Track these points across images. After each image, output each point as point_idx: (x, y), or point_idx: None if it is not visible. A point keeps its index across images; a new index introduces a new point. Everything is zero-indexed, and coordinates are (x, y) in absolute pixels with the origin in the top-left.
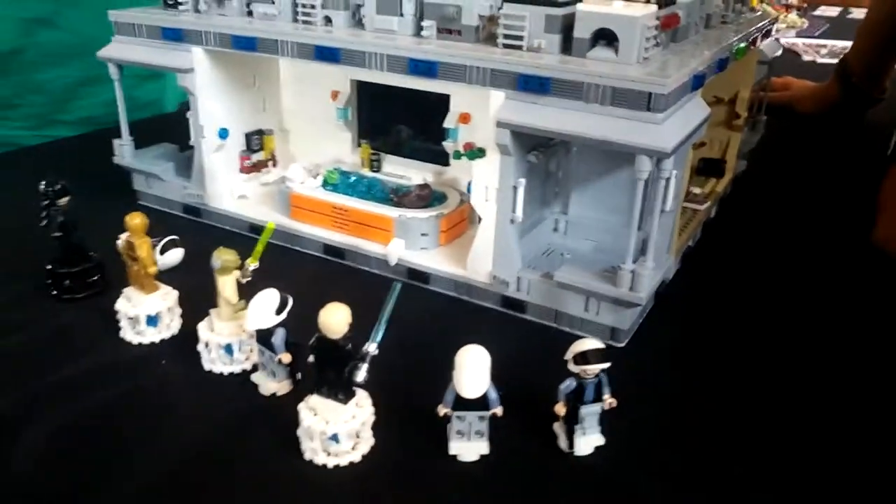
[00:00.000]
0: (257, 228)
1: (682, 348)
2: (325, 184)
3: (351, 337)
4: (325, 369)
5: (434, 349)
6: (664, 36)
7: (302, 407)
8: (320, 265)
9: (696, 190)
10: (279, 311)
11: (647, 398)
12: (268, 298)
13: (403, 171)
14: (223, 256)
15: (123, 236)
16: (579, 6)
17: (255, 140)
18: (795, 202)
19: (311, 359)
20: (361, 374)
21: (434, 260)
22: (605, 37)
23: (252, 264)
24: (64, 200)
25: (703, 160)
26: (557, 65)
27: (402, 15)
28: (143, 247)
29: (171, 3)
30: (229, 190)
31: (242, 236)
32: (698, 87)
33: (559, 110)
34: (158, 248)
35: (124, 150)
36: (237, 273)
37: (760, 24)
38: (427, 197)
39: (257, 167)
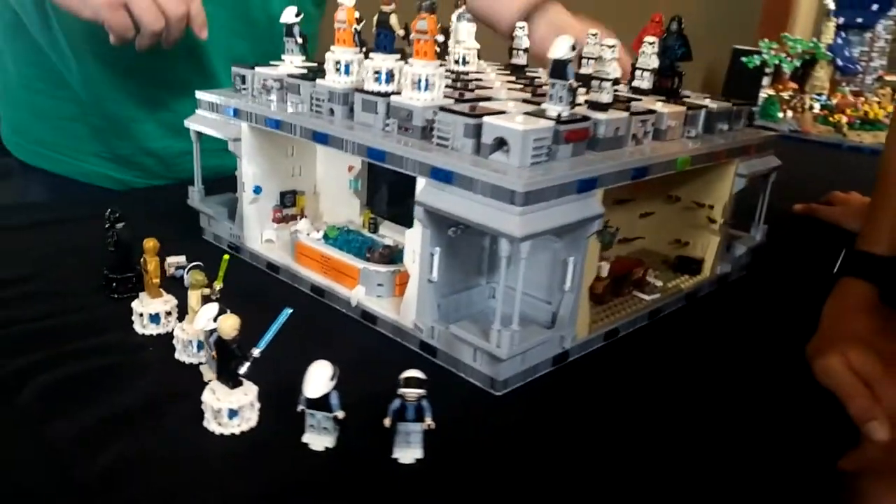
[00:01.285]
0: (273, 266)
1: (551, 410)
2: (326, 237)
3: (240, 339)
4: (221, 362)
5: (341, 366)
6: (579, 145)
7: (206, 388)
8: (308, 300)
9: (657, 282)
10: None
11: (485, 434)
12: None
13: (393, 234)
14: (195, 276)
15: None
16: (485, 118)
17: (289, 197)
18: (763, 306)
19: (213, 353)
20: (243, 369)
21: (384, 306)
22: (502, 144)
23: (217, 285)
24: (120, 225)
25: (679, 258)
26: (458, 162)
27: (376, 113)
28: (151, 263)
29: (237, 88)
30: (260, 234)
31: (261, 271)
32: (587, 189)
33: (457, 197)
34: (186, 269)
35: (195, 195)
36: (206, 290)
37: (744, 142)
38: (389, 256)
39: (286, 219)
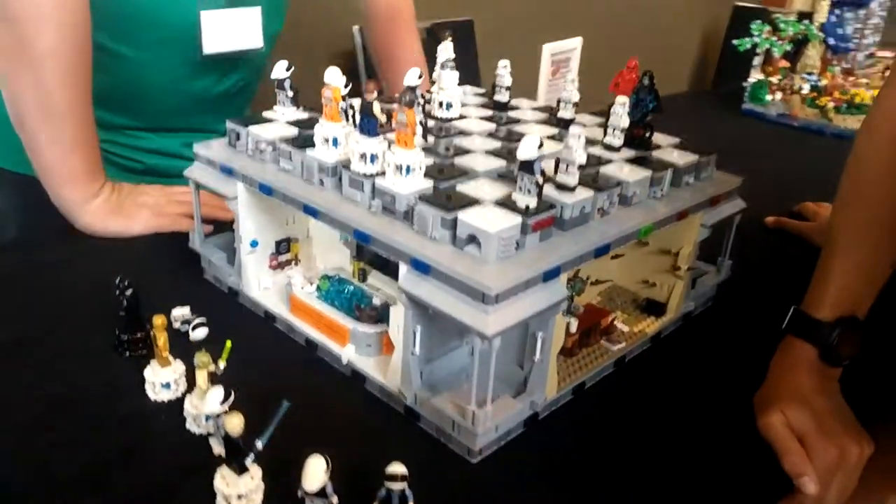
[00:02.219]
0: (269, 315)
1: (524, 470)
2: (319, 290)
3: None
4: (228, 453)
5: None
6: (546, 230)
7: (217, 475)
8: (302, 352)
9: (624, 328)
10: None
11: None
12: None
13: (382, 284)
14: (200, 359)
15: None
16: (459, 214)
17: (284, 245)
18: (723, 342)
19: (219, 448)
20: (249, 460)
21: (372, 366)
22: (475, 239)
23: (222, 364)
24: (129, 291)
25: (647, 300)
26: (435, 254)
27: (363, 191)
28: (160, 338)
29: (232, 143)
30: (258, 282)
31: (259, 318)
32: (553, 277)
33: (434, 288)
34: (191, 325)
35: (196, 240)
36: (211, 367)
37: (710, 195)
38: (376, 316)
39: (282, 265)
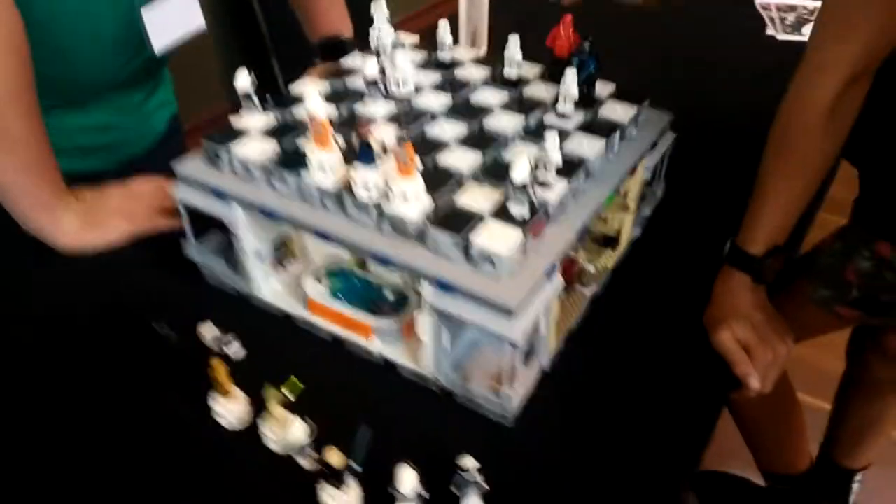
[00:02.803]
0: (288, 317)
1: (562, 425)
2: (330, 289)
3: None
4: (330, 475)
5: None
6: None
7: (322, 493)
8: (330, 349)
9: (591, 268)
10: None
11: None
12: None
13: (382, 271)
14: (270, 393)
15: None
16: (471, 237)
17: (281, 247)
18: (667, 270)
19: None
20: (352, 482)
21: (400, 352)
22: (488, 258)
23: (291, 396)
24: (166, 331)
25: (603, 235)
26: (455, 276)
27: (369, 216)
28: (220, 374)
29: (212, 157)
30: (267, 285)
31: (279, 320)
32: (552, 272)
33: (460, 302)
34: (227, 345)
35: (191, 249)
36: (279, 397)
37: (650, 140)
38: (394, 308)
39: (282, 263)
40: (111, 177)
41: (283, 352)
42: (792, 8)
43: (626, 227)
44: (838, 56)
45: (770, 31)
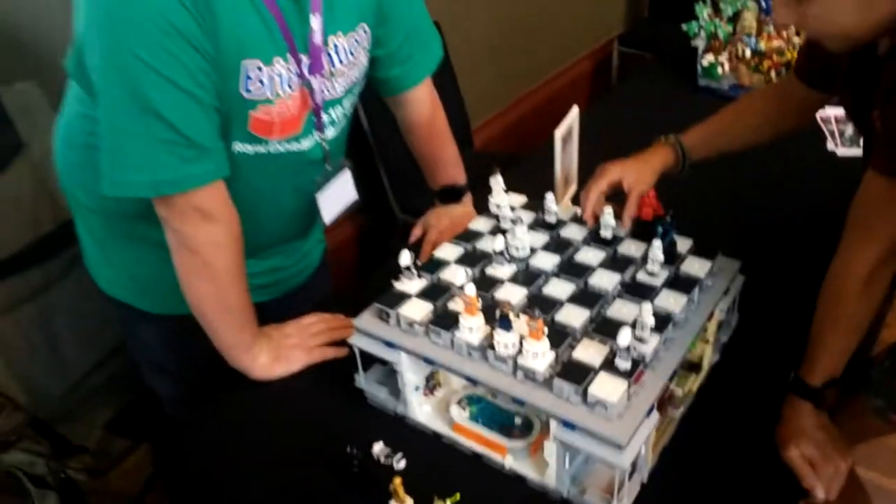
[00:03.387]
0: (437, 434)
1: None
2: (470, 414)
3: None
4: None
5: None
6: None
7: None
8: (469, 461)
9: (679, 392)
10: None
11: None
12: None
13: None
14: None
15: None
16: (589, 387)
17: (431, 377)
18: (746, 396)
19: None
20: None
21: (528, 467)
22: (602, 404)
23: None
24: (357, 453)
25: (688, 362)
26: (577, 417)
27: (507, 365)
28: (400, 492)
29: (382, 316)
30: (420, 409)
31: (429, 437)
32: (651, 412)
33: (579, 437)
34: (395, 459)
35: (361, 380)
36: None
37: (723, 288)
38: (525, 431)
39: (432, 391)
40: (274, 305)
41: (434, 464)
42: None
43: (707, 355)
44: (867, 249)
45: (830, 147)
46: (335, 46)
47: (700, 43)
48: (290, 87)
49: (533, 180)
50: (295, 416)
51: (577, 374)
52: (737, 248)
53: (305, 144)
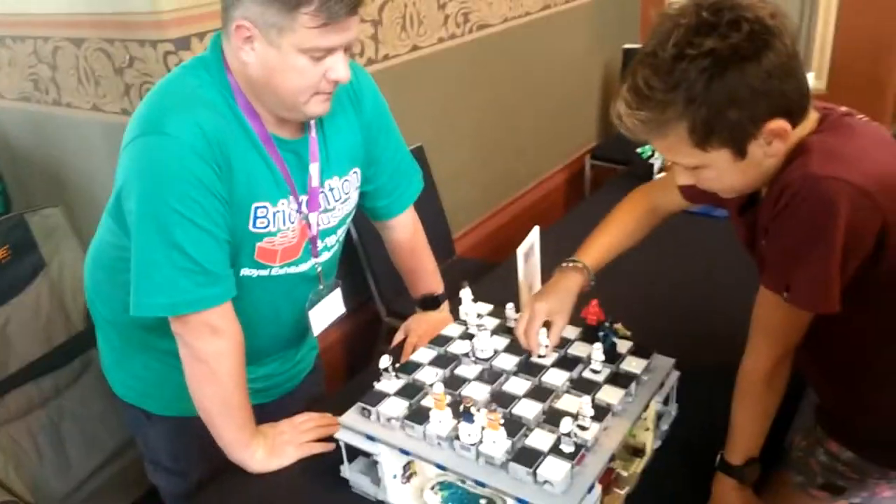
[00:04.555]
0: None
1: None
2: (442, 499)
3: None
4: None
5: None
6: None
7: None
8: None
9: (624, 473)
10: None
11: None
12: None
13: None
14: None
15: None
16: (537, 469)
17: (407, 466)
18: (680, 472)
19: None
20: None
21: None
22: (549, 482)
23: None
24: None
25: (632, 447)
26: (530, 496)
27: (470, 452)
28: None
29: (364, 413)
30: (398, 495)
31: None
32: (592, 489)
33: None
34: None
35: (346, 470)
36: None
37: (658, 382)
38: None
39: (408, 478)
40: (271, 406)
41: None
42: None
43: (649, 442)
44: (767, 350)
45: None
46: (331, 188)
47: (655, 162)
48: (291, 221)
49: (505, 287)
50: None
51: (528, 458)
52: (678, 344)
53: (303, 268)
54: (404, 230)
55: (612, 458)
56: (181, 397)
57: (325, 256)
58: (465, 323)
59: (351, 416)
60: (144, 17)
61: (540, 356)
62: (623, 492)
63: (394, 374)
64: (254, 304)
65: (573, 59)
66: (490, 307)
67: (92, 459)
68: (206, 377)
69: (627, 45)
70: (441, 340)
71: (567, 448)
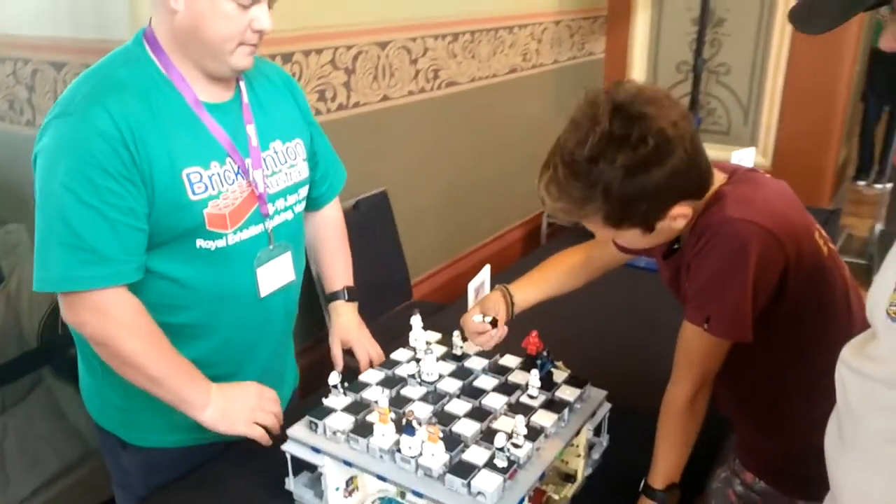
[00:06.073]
0: None
1: None
2: None
3: None
4: None
5: None
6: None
7: None
8: None
9: (556, 496)
10: None
11: None
12: None
13: (415, 499)
14: None
15: None
16: (472, 481)
17: (349, 481)
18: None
19: None
20: None
21: None
22: (482, 494)
23: None
24: None
25: (564, 473)
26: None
27: (410, 464)
28: None
29: (312, 427)
30: None
31: None
32: (522, 501)
33: None
34: None
35: (291, 482)
36: None
37: (590, 411)
38: None
39: (350, 493)
40: None
41: None
42: None
43: (580, 468)
44: (688, 380)
45: None
46: (276, 151)
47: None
48: (230, 182)
49: (454, 322)
50: None
51: (464, 470)
52: (612, 383)
53: (255, 230)
54: (336, 215)
55: (543, 478)
56: (159, 429)
57: (277, 220)
58: (413, 349)
59: (298, 429)
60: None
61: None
62: None
63: (342, 391)
64: (217, 283)
65: (535, 122)
66: (438, 335)
67: (34, 478)
68: (115, 358)
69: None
70: (389, 364)
71: (501, 463)
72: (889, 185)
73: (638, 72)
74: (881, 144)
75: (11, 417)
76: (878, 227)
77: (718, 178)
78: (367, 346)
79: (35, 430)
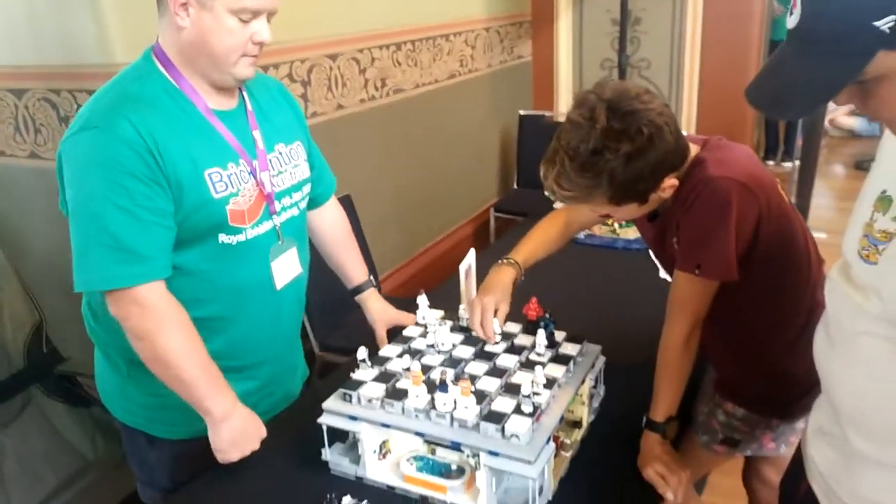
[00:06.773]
0: (391, 487)
1: None
2: (417, 467)
3: None
4: None
5: None
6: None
7: None
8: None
9: (567, 441)
10: None
11: None
12: None
13: (444, 452)
14: None
15: None
16: (505, 425)
17: (383, 444)
18: (612, 437)
19: None
20: None
21: (465, 499)
22: (515, 436)
23: None
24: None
25: (572, 421)
26: (500, 448)
27: (445, 419)
28: None
29: (346, 398)
30: (376, 469)
31: (382, 489)
32: (548, 442)
33: (503, 461)
34: None
35: (327, 452)
36: None
37: (589, 363)
38: (459, 474)
39: (384, 455)
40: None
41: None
42: None
43: (584, 415)
44: (681, 324)
45: (662, 275)
46: (280, 153)
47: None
48: (244, 182)
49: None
50: (276, 490)
51: (495, 418)
52: (601, 338)
53: (266, 226)
54: (338, 213)
55: (562, 421)
56: (186, 420)
57: (285, 216)
58: (423, 325)
59: (333, 402)
60: (96, 69)
61: (495, 343)
62: (568, 454)
63: (369, 364)
64: (237, 277)
65: (476, 123)
66: (442, 312)
67: (33, 495)
68: (150, 354)
69: (522, 112)
70: (404, 339)
71: (527, 408)
72: (797, 163)
73: (564, 70)
74: (784, 127)
75: (8, 437)
76: (792, 200)
77: (693, 148)
78: (407, 316)
79: (31, 448)
